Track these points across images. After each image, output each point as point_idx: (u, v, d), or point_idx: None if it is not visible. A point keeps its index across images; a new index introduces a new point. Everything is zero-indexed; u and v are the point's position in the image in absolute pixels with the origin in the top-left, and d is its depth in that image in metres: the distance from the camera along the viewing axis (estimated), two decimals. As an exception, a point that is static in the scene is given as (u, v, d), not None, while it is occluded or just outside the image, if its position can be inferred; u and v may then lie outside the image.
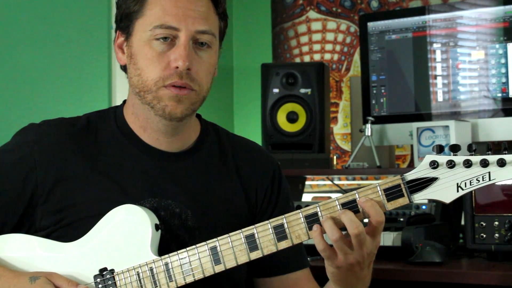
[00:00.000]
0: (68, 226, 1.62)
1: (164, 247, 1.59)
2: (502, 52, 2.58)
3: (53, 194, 1.63)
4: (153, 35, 1.61)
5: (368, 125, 2.68)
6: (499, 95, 2.59)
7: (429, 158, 1.46)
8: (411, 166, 3.19)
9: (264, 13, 3.72)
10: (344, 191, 3.16)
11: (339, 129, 3.52)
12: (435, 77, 2.71)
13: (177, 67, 1.60)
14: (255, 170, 1.77)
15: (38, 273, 1.55)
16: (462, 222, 2.43)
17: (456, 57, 2.68)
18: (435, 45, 2.71)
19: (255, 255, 1.51)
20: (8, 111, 2.75)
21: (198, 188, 1.69)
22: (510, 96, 2.57)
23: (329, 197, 3.29)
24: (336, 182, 3.31)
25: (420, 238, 2.28)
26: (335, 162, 2.92)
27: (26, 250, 1.60)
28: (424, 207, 2.51)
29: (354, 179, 3.41)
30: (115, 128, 1.71)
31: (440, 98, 2.70)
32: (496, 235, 2.23)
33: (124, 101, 1.76)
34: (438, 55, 2.71)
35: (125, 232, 1.57)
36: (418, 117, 2.70)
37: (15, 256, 1.60)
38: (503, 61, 2.58)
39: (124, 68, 1.71)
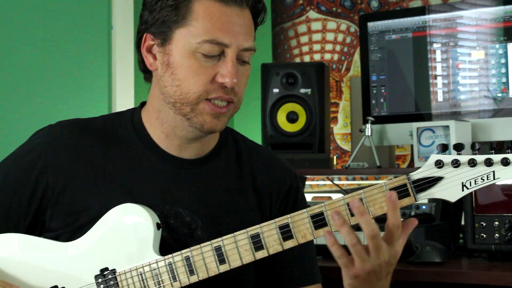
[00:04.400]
0: (77, 230, 1.60)
1: None
2: (502, 52, 2.58)
3: (63, 196, 1.62)
4: (200, 48, 1.56)
5: (368, 125, 2.68)
6: (499, 95, 2.59)
7: (434, 157, 1.46)
8: (411, 166, 3.19)
9: (264, 13, 3.72)
10: (344, 191, 3.16)
11: (339, 129, 3.52)
12: (435, 77, 2.71)
13: (223, 83, 1.56)
14: (271, 181, 1.73)
15: (1, 281, 1.53)
16: (462, 222, 2.43)
17: (456, 57, 2.68)
18: (435, 45, 2.71)
19: (260, 254, 1.50)
20: (8, 111, 2.75)
21: (211, 198, 1.66)
22: (510, 96, 2.57)
23: (329, 198, 3.30)
24: (336, 182, 3.31)
25: (420, 238, 2.28)
26: (335, 162, 2.92)
27: (26, 250, 1.59)
28: (424, 207, 2.50)
29: (354, 179, 3.41)
30: (132, 132, 1.68)
31: (440, 98, 2.70)
32: (496, 235, 2.23)
33: (141, 104, 1.72)
34: (438, 55, 2.71)
35: (126, 231, 1.56)
36: (418, 117, 2.70)
37: (14, 256, 1.59)
38: (503, 61, 2.58)
39: (144, 70, 1.67)
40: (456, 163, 1.45)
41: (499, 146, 1.45)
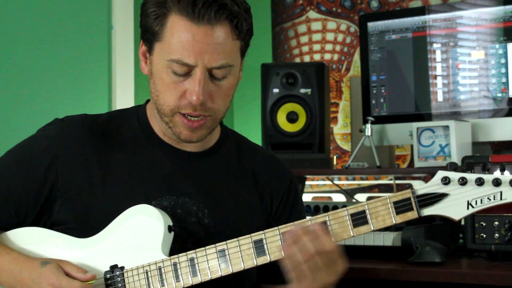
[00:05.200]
0: (85, 222, 1.64)
1: (180, 245, 1.62)
2: (502, 52, 2.58)
3: (71, 189, 1.66)
4: (169, 65, 1.59)
5: (368, 125, 2.68)
6: (499, 95, 2.59)
7: (441, 174, 1.46)
8: (411, 166, 3.19)
9: (264, 13, 3.72)
10: (344, 191, 3.16)
11: (339, 129, 3.52)
12: (435, 77, 2.71)
13: (190, 101, 1.59)
14: (272, 177, 1.78)
15: (50, 259, 1.59)
16: (462, 222, 2.43)
17: (456, 57, 2.68)
18: (435, 45, 2.71)
19: (262, 260, 1.53)
20: (8, 111, 2.75)
21: (215, 187, 1.71)
22: (510, 96, 2.57)
23: (329, 197, 3.30)
24: (336, 182, 3.31)
25: (420, 238, 2.28)
26: (335, 162, 2.92)
27: (40, 244, 1.64)
28: (424, 207, 2.50)
29: (354, 179, 3.41)
30: (137, 126, 1.73)
31: (440, 98, 2.70)
32: (496, 235, 2.23)
33: (147, 101, 1.77)
34: (438, 55, 2.71)
35: (139, 231, 1.60)
36: (418, 117, 2.70)
37: (28, 249, 1.63)
38: (503, 61, 2.58)
39: None
40: (463, 181, 1.44)
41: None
